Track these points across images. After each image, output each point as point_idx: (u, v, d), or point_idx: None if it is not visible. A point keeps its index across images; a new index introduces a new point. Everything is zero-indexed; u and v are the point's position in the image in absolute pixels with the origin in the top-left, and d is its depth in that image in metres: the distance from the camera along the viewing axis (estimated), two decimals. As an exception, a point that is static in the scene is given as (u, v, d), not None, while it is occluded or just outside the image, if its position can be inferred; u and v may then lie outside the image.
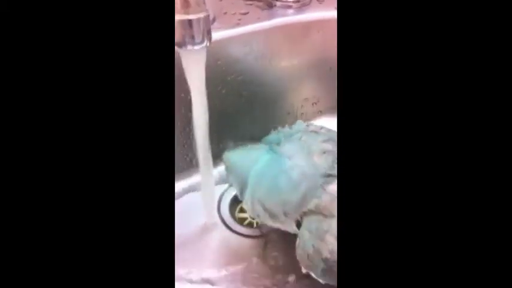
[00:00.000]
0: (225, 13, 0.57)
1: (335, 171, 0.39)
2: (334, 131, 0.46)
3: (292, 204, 0.40)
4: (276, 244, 0.50)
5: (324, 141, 0.42)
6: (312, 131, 0.45)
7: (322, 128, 0.46)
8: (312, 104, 0.65)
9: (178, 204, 0.55)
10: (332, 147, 0.42)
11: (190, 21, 0.36)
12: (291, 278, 0.47)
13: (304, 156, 0.41)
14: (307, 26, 0.59)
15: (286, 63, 0.59)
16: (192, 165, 0.57)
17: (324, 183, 0.39)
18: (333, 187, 0.39)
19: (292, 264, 0.46)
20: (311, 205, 0.39)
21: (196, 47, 0.37)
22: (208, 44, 0.38)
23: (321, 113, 0.66)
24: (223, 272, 0.47)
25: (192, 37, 0.37)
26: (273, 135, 0.46)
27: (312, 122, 0.63)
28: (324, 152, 0.41)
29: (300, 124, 0.47)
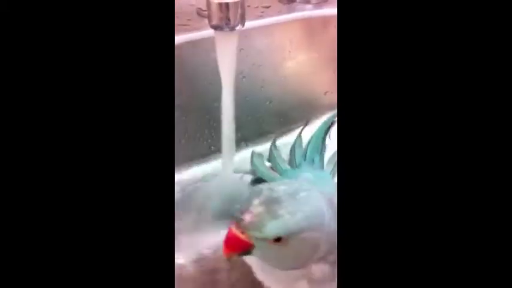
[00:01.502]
0: (249, 6, 0.59)
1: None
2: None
3: None
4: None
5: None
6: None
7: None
8: (328, 98, 0.67)
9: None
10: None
11: (227, 4, 0.38)
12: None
13: None
14: (326, 20, 0.61)
15: (305, 56, 0.61)
16: (211, 151, 0.59)
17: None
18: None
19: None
20: None
21: (231, 30, 0.39)
22: (241, 27, 0.40)
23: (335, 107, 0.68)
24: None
25: (228, 20, 0.39)
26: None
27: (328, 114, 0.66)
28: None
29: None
